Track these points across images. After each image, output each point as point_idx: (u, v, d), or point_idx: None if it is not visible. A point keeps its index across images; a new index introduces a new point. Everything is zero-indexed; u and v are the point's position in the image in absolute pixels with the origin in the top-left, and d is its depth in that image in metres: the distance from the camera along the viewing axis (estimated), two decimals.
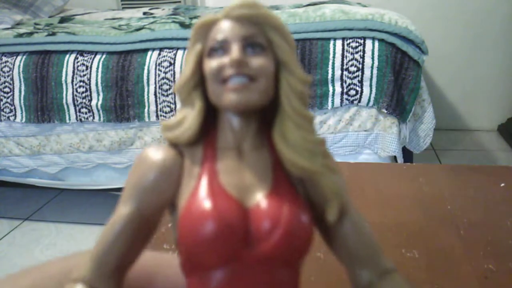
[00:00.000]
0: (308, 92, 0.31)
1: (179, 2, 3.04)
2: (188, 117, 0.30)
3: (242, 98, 0.28)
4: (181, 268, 0.29)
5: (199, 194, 0.28)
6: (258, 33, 0.29)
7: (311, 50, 1.70)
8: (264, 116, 0.31)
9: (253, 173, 0.30)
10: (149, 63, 1.80)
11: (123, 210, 0.30)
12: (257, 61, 0.29)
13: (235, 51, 0.28)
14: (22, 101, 1.91)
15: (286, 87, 0.30)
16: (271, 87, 0.30)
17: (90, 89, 1.84)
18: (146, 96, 1.81)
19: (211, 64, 0.29)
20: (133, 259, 0.29)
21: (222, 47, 0.29)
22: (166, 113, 1.80)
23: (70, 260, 0.31)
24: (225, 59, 0.29)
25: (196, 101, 0.30)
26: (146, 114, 1.82)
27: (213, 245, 0.27)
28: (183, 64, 0.35)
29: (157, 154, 0.30)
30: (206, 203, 0.28)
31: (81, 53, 1.89)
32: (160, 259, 0.33)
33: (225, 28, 0.29)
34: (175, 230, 0.29)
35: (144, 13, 2.42)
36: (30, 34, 1.98)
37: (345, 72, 1.68)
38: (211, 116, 0.31)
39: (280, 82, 0.30)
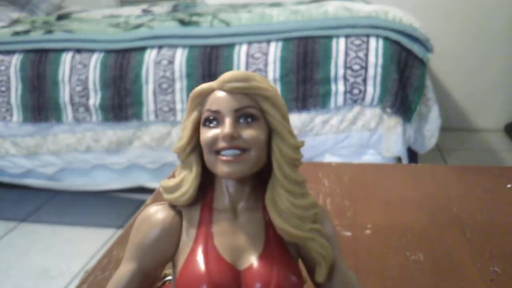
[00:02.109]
0: (300, 156, 0.33)
1: None
2: (185, 180, 0.33)
3: (233, 169, 0.31)
4: None
5: (195, 258, 0.31)
6: (251, 104, 0.32)
7: (313, 48, 1.69)
8: (258, 177, 0.34)
9: (246, 234, 0.32)
10: (148, 61, 1.79)
11: (126, 267, 0.33)
12: (249, 133, 0.31)
13: (227, 125, 0.31)
14: (18, 100, 1.89)
15: (278, 154, 0.32)
16: (263, 155, 0.32)
17: (87, 88, 1.83)
18: (144, 95, 1.79)
19: (206, 134, 0.32)
20: None
21: (216, 118, 0.32)
22: (165, 112, 1.78)
23: None
24: (218, 131, 0.31)
25: (194, 165, 0.33)
26: (144, 113, 1.80)
27: None
28: (182, 123, 0.37)
29: (158, 214, 0.33)
30: (201, 267, 0.30)
31: (78, 51, 1.87)
32: None
33: (218, 100, 0.32)
34: (175, 285, 0.32)
35: (143, 10, 2.41)
36: (27, 32, 1.97)
37: (348, 71, 1.67)
38: (208, 175, 0.34)
39: (272, 149, 0.33)
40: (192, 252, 0.32)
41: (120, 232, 0.78)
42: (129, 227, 0.71)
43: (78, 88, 1.83)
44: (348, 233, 0.65)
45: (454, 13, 2.78)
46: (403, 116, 1.66)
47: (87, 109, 1.84)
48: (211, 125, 0.32)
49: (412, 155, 1.84)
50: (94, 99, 1.82)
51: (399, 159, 1.75)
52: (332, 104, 1.68)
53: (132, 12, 2.38)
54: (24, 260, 1.81)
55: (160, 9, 2.45)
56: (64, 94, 1.84)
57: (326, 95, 1.68)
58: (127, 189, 1.98)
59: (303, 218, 0.32)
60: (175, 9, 2.42)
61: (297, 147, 0.33)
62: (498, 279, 0.55)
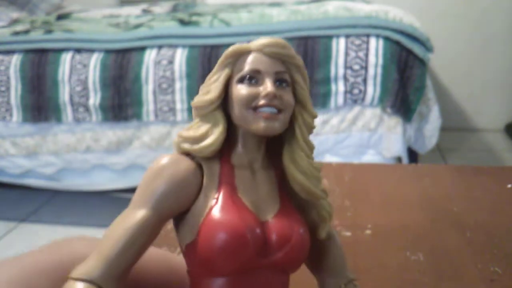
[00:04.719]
0: (315, 125, 0.36)
1: None
2: (211, 133, 0.33)
3: (270, 126, 0.32)
4: (188, 273, 0.32)
5: (221, 208, 0.32)
6: (285, 70, 0.34)
7: (313, 48, 1.69)
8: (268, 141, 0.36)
9: (265, 191, 0.34)
10: (148, 61, 1.79)
11: (139, 213, 0.31)
12: (286, 96, 0.33)
13: (270, 85, 0.33)
14: (18, 100, 1.89)
15: (301, 121, 0.35)
16: (288, 119, 0.34)
17: (87, 88, 1.82)
18: (144, 95, 1.79)
19: (242, 90, 0.33)
20: (138, 259, 0.30)
21: (253, 77, 0.33)
22: (164, 112, 1.78)
23: (63, 252, 0.31)
24: (257, 89, 0.33)
25: (220, 119, 0.34)
26: (144, 114, 1.80)
27: (234, 253, 0.30)
28: (204, 83, 0.37)
29: (179, 162, 0.33)
30: (228, 217, 0.31)
31: (78, 51, 1.87)
32: (172, 261, 0.36)
33: (259, 61, 0.34)
34: (185, 236, 0.32)
35: (143, 10, 2.40)
36: (26, 32, 1.97)
37: (348, 71, 1.67)
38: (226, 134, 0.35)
39: (295, 116, 0.35)
40: (218, 201, 0.32)
41: None
42: None
43: (78, 88, 1.83)
44: (348, 233, 0.65)
45: (454, 13, 2.78)
46: (403, 116, 1.66)
47: (87, 109, 1.83)
48: (247, 82, 0.33)
49: (412, 155, 1.84)
50: (94, 99, 1.82)
51: (399, 159, 1.74)
52: (332, 104, 1.68)
53: (132, 12, 2.38)
54: None
55: (160, 9, 2.44)
56: (64, 94, 1.84)
57: (326, 95, 1.68)
58: (127, 189, 1.97)
59: (318, 178, 0.35)
60: (175, 9, 2.41)
61: (315, 116, 0.35)
62: (498, 280, 0.54)
